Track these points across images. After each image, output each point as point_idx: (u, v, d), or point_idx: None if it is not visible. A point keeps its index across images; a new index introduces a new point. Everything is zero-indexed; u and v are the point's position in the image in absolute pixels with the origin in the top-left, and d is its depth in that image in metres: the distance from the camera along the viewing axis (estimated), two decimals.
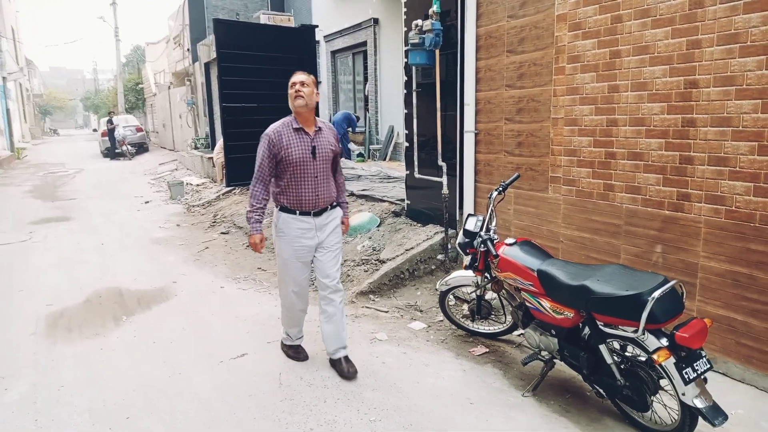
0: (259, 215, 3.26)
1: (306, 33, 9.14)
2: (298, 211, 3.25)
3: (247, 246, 6.74)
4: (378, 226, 5.99)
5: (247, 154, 8.65)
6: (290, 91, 3.22)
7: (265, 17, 10.81)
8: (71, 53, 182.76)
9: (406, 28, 5.61)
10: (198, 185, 12.19)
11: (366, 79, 12.99)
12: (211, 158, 12.53)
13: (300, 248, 3.28)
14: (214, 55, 11.29)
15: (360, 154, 12.01)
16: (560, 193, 4.15)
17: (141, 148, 22.36)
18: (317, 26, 9.75)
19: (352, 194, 7.24)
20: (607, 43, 3.68)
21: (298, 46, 8.87)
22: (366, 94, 12.97)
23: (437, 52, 5.05)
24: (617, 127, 3.66)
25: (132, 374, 3.48)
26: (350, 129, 12.10)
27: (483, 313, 3.72)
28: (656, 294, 2.32)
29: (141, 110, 30.79)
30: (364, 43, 12.92)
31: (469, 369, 3.47)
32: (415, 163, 5.72)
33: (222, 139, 9.66)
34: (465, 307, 3.98)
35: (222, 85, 8.42)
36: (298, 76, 3.25)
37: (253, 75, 8.46)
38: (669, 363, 2.31)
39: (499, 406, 3.03)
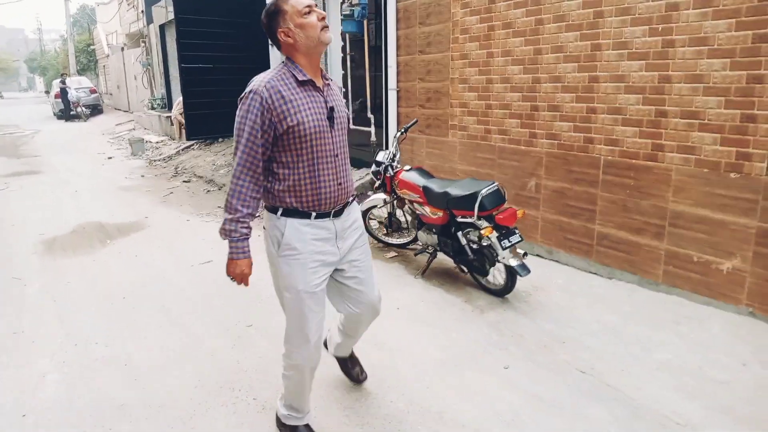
0: (246, 227, 2.03)
1: (255, 4, 9.96)
2: (314, 213, 2.08)
3: (211, 215, 7.73)
4: None
5: (206, 111, 9.60)
6: (303, 20, 1.97)
7: None
8: (10, 11, 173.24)
9: (341, 0, 6.61)
10: (157, 142, 12.94)
11: None
12: (169, 117, 13.27)
13: (317, 271, 2.12)
14: (170, 16, 11.95)
15: None
16: (456, 137, 5.34)
17: (95, 109, 22.58)
18: None
19: None
20: (486, 19, 4.83)
21: (252, 10, 9.68)
22: None
23: (365, 22, 6.09)
24: (492, 84, 4.85)
25: (123, 275, 4.54)
26: None
27: (393, 227, 4.90)
28: (483, 191, 3.55)
29: (93, 72, 30.52)
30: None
31: (381, 266, 4.67)
32: (351, 116, 6.82)
33: (180, 98, 10.49)
34: (382, 225, 5.17)
35: (181, 47, 9.22)
36: None
37: (209, 38, 9.29)
38: (493, 236, 3.54)
39: (398, 285, 4.24)
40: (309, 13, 1.98)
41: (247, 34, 9.35)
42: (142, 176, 9.38)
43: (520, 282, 3.80)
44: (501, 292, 3.81)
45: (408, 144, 5.89)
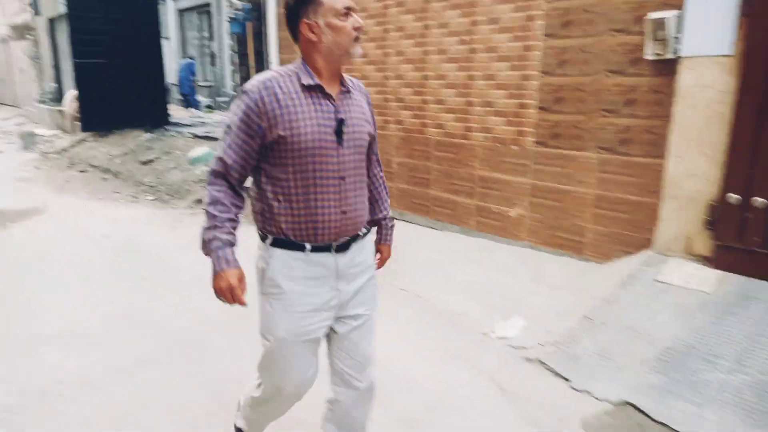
0: (227, 232, 1.69)
1: None
2: (309, 246, 1.73)
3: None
4: None
5: (100, 104, 9.93)
6: (337, 22, 1.66)
7: None
8: None
9: (228, 3, 7.37)
10: (50, 136, 12.87)
11: (212, 37, 14.30)
12: (61, 110, 13.22)
13: (306, 317, 1.76)
14: (60, 10, 11.96)
15: (209, 106, 13.46)
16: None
17: None
18: None
19: (195, 136, 8.94)
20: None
21: (142, 10, 10.12)
22: (213, 51, 14.31)
23: (249, 24, 6.92)
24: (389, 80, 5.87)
25: (32, 245, 5.11)
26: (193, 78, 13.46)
27: None
28: None
29: None
30: (208, 4, 14.16)
31: None
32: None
33: (72, 91, 10.68)
34: None
35: (74, 42, 9.51)
36: None
37: (102, 33, 9.64)
38: None
39: None
40: (347, 15, 1.66)
41: (139, 28, 9.79)
42: (37, 168, 9.55)
43: None
44: None
45: None
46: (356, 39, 1.69)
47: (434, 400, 2.70)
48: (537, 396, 2.71)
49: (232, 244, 1.71)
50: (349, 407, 1.92)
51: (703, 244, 3.44)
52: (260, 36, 6.97)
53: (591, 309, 3.28)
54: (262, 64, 7.05)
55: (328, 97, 1.71)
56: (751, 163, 3.14)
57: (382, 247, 2.12)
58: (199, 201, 6.66)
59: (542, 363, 2.95)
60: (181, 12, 15.56)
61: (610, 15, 3.70)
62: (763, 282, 3.18)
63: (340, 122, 1.72)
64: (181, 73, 12.92)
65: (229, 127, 1.69)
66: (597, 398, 2.64)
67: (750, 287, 3.18)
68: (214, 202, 1.70)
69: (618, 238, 3.95)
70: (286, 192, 1.70)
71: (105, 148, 10.13)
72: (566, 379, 2.80)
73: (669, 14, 3.31)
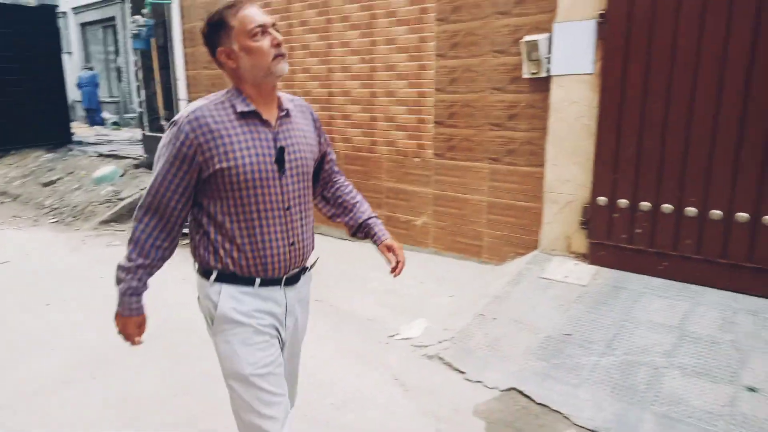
0: (137, 280, 1.64)
1: (46, 12, 9.97)
2: (258, 280, 1.67)
3: None
4: (121, 176, 7.61)
5: None
6: (251, 43, 1.55)
7: None
8: None
9: (131, 20, 7.24)
10: None
11: (118, 52, 13.82)
12: None
13: (266, 347, 1.67)
14: None
15: (115, 123, 12.98)
16: None
17: None
18: (57, 6, 10.53)
19: (101, 155, 8.64)
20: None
21: (39, 24, 9.66)
22: (119, 66, 13.83)
23: (153, 40, 6.83)
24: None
25: None
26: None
27: None
28: None
29: None
30: (113, 18, 13.70)
31: (178, 251, 5.51)
32: (146, 124, 7.47)
33: None
34: None
35: None
36: (260, 15, 1.57)
37: None
38: None
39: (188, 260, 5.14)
40: (262, 33, 1.55)
41: (38, 42, 9.35)
42: None
43: None
44: None
45: None
46: (277, 56, 1.56)
47: (343, 401, 2.86)
48: (435, 389, 2.94)
49: (138, 293, 1.65)
50: None
51: (580, 242, 3.84)
52: (166, 51, 6.91)
53: (484, 306, 3.57)
54: (168, 80, 6.98)
55: (265, 123, 1.62)
56: (614, 169, 3.56)
57: (389, 243, 1.89)
58: (106, 222, 6.47)
59: (440, 359, 3.19)
60: (84, 26, 14.93)
61: (492, 38, 4.06)
62: (630, 274, 3.60)
63: (281, 150, 1.63)
64: (83, 86, 12.38)
65: (159, 159, 1.57)
66: (488, 387, 2.90)
67: (619, 279, 3.59)
68: (135, 242, 1.61)
69: (510, 241, 4.30)
70: (229, 226, 1.61)
71: (2, 170, 9.54)
72: (461, 372, 3.05)
73: (540, 37, 3.70)
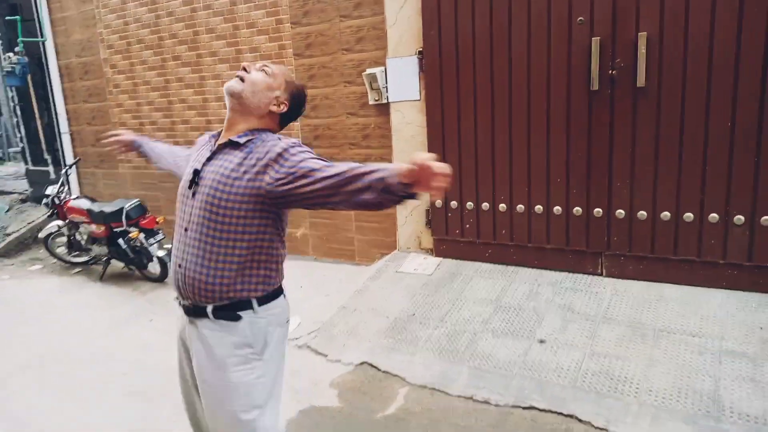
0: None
1: None
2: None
3: None
4: (7, 212, 7.56)
5: None
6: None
7: None
8: None
9: (4, 57, 7.26)
10: None
11: None
12: None
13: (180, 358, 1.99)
14: None
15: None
16: (125, 169, 6.61)
17: None
18: None
19: None
20: (130, 77, 6.24)
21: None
22: None
23: (29, 77, 6.92)
24: (144, 126, 6.29)
25: None
26: None
27: (75, 247, 5.94)
28: (127, 206, 5.00)
29: None
30: None
31: (66, 280, 5.70)
32: (29, 158, 7.50)
33: None
34: (64, 248, 6.14)
35: None
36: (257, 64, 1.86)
37: None
38: (141, 237, 5.00)
39: (80, 289, 5.37)
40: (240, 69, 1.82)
41: None
42: None
43: None
44: (159, 278, 5.26)
45: (89, 178, 6.94)
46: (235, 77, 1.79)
47: None
48: (301, 371, 3.49)
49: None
50: None
51: (427, 239, 4.57)
52: (44, 86, 7.01)
53: (347, 300, 4.18)
54: (49, 114, 7.08)
55: (214, 146, 1.77)
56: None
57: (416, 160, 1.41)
58: None
59: (309, 347, 3.76)
60: None
61: (341, 71, 4.73)
62: (466, 261, 4.36)
63: (195, 173, 1.74)
64: None
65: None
66: (344, 364, 3.51)
67: (457, 266, 4.34)
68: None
69: (376, 244, 4.97)
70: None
71: None
72: (324, 355, 3.63)
73: (377, 70, 4.40)
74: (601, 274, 3.89)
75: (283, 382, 2.01)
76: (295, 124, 5.14)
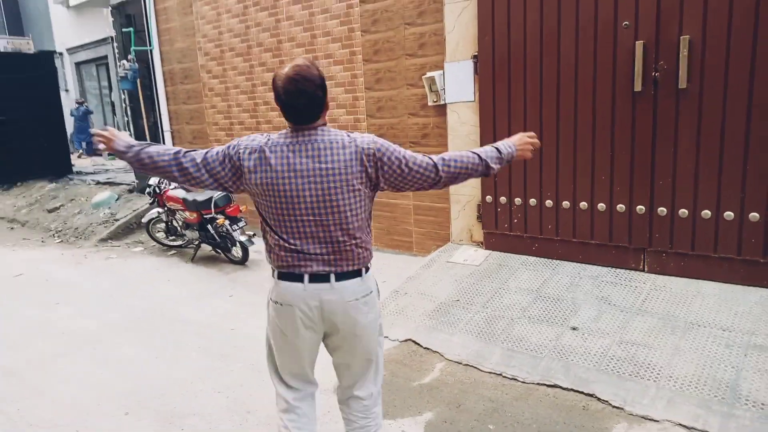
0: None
1: (44, 58, 11.09)
2: None
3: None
4: (117, 200, 8.63)
5: (2, 159, 10.37)
6: None
7: (2, 42, 12.12)
8: None
9: (119, 64, 8.32)
10: None
11: (111, 88, 14.93)
12: None
13: None
14: None
15: (111, 154, 14.03)
16: None
17: None
18: (55, 51, 11.65)
19: (98, 183, 9.67)
20: (222, 81, 6.98)
21: (39, 68, 10.76)
22: (112, 100, 14.94)
23: (139, 81, 7.90)
24: (233, 126, 7.01)
25: None
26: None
27: (171, 232, 6.75)
28: (216, 196, 5.65)
29: None
30: (106, 57, 14.82)
31: (163, 261, 6.51)
32: None
33: None
34: (164, 233, 6.98)
35: None
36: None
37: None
38: (227, 223, 5.64)
39: (174, 268, 6.13)
40: None
41: (38, 82, 10.43)
42: None
43: (252, 252, 5.95)
44: (241, 261, 5.91)
45: None
46: None
47: None
48: None
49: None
50: None
51: (478, 233, 4.84)
52: (151, 89, 7.97)
53: (399, 285, 4.56)
54: (154, 114, 8.04)
55: None
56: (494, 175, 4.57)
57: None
58: (104, 240, 7.47)
59: None
60: (79, 65, 16.05)
61: (404, 74, 5.11)
62: (513, 255, 4.60)
63: None
64: (78, 120, 13.52)
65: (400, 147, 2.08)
66: (391, 340, 3.88)
67: (504, 259, 4.59)
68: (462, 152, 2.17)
69: (431, 236, 5.30)
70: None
71: (10, 200, 10.57)
72: None
73: (436, 73, 4.74)
74: (643, 270, 4.00)
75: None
76: (361, 124, 5.59)
